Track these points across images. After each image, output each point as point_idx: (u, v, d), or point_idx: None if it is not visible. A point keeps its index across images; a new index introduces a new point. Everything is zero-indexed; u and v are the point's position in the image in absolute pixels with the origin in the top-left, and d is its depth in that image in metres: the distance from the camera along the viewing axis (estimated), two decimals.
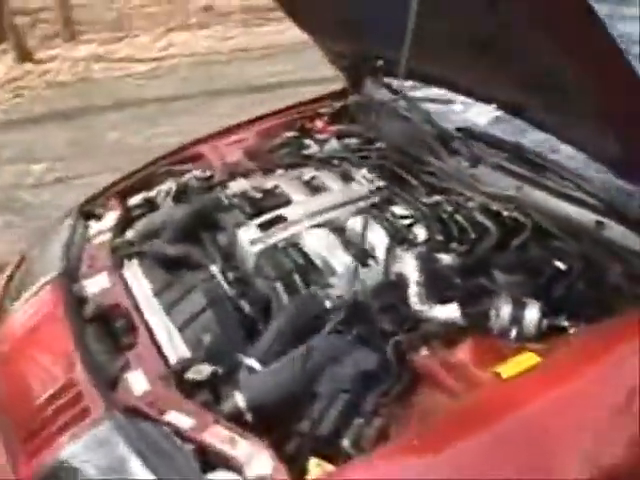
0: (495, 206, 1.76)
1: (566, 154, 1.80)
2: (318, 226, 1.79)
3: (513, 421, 1.23)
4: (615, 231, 1.57)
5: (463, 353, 1.39)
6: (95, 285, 1.81)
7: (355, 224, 1.78)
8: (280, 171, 2.19)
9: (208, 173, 2.16)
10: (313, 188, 2.00)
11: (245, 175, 2.15)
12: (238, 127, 2.46)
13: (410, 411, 1.33)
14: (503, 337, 1.44)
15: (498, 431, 1.20)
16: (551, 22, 1.32)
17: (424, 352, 1.43)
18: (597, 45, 1.29)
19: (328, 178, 2.03)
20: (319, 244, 1.71)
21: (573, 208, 1.65)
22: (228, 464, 1.26)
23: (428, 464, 1.18)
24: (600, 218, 1.59)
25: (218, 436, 1.30)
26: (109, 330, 1.69)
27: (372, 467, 1.19)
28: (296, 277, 1.63)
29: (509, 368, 1.31)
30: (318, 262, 1.67)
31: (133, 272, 1.84)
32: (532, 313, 1.44)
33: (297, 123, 2.46)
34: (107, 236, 2.01)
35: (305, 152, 2.29)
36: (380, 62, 2.16)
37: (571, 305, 1.50)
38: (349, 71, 2.49)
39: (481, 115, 2.08)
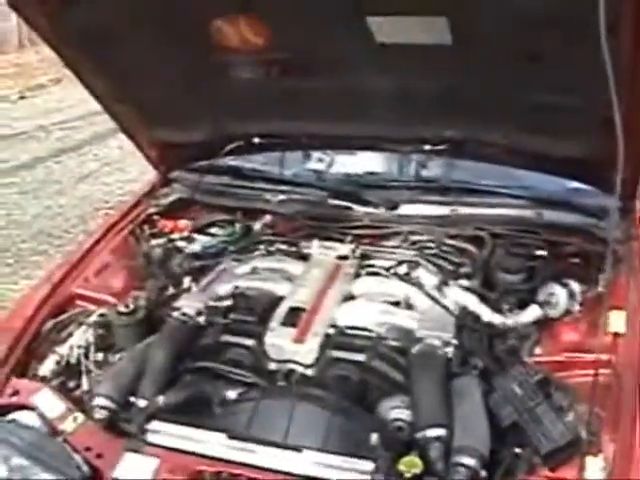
0: (452, 231, 2.00)
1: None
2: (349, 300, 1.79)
3: None
4: (552, 215, 1.98)
5: (570, 336, 1.61)
6: None
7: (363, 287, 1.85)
8: (188, 279, 2.00)
9: (131, 305, 1.81)
10: (283, 277, 1.91)
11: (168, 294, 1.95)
12: (84, 255, 2.07)
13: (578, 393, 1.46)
14: (568, 314, 1.71)
15: None
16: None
17: (538, 351, 1.61)
18: None
19: (280, 263, 1.99)
20: (363, 320, 1.71)
21: (509, 210, 2.01)
22: None
23: None
24: (537, 210, 1.98)
25: None
26: None
27: None
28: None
29: (614, 325, 1.57)
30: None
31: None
32: (576, 287, 1.74)
33: (141, 231, 2.21)
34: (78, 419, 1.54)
35: (193, 251, 2.12)
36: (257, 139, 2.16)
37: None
38: (164, 161, 2.35)
39: (355, 165, 2.27)
